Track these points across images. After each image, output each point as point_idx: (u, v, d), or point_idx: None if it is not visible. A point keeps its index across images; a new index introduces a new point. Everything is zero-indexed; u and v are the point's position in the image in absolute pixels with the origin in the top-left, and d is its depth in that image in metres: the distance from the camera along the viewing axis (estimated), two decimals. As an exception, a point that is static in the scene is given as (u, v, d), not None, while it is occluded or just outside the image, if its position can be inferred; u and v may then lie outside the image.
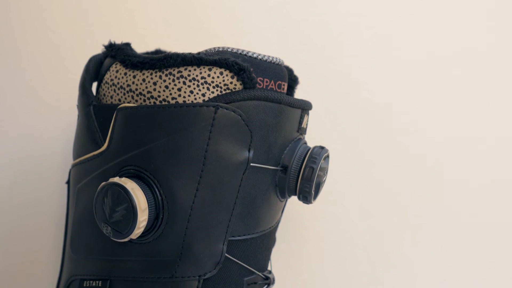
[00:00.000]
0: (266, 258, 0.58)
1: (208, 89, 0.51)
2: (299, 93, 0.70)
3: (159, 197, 0.51)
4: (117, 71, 0.54)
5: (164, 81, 0.51)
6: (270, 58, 0.55)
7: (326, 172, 0.57)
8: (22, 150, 0.77)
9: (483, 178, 0.78)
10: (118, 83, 0.54)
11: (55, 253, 0.75)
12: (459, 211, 0.78)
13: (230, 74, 0.51)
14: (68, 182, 0.61)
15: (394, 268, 0.79)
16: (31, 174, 0.77)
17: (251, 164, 0.53)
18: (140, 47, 0.71)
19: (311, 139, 0.73)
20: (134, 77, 0.53)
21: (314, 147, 0.56)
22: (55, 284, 0.64)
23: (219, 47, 0.55)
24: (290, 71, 0.64)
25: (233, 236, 0.54)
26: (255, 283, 0.56)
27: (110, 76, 0.55)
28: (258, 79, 0.54)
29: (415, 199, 0.78)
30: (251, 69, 0.52)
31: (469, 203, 0.78)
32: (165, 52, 0.63)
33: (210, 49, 0.55)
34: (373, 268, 0.79)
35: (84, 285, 0.56)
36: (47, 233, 0.76)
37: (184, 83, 0.51)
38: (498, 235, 0.78)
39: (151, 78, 0.52)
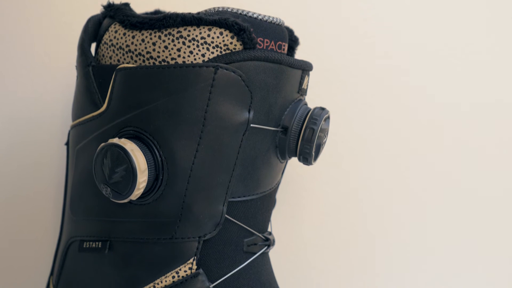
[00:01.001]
0: (266, 219, 0.58)
1: (207, 49, 0.51)
2: (300, 54, 0.70)
3: (159, 158, 0.51)
4: (116, 32, 0.54)
5: (164, 41, 0.51)
6: (271, 19, 0.55)
7: (327, 134, 0.57)
8: (20, 112, 0.76)
9: (485, 139, 0.77)
10: (117, 43, 0.53)
11: (55, 215, 0.75)
12: (459, 175, 0.78)
13: (230, 35, 0.51)
14: (67, 144, 0.61)
15: (392, 230, 0.79)
16: (30, 136, 0.76)
17: (251, 125, 0.52)
18: (139, 7, 0.71)
19: (311, 100, 0.72)
20: (133, 37, 0.52)
21: (315, 108, 0.56)
22: (55, 245, 0.64)
23: (219, 7, 0.54)
24: (290, 31, 0.64)
25: (233, 197, 0.54)
26: (255, 244, 0.56)
27: (109, 36, 0.54)
28: (258, 39, 0.54)
29: (415, 161, 0.78)
30: (251, 30, 0.52)
31: (470, 166, 0.78)
32: (164, 12, 0.63)
33: (209, 9, 0.54)
34: (372, 230, 0.79)
35: (84, 246, 0.57)
36: (47, 195, 0.76)
37: (184, 43, 0.51)
38: (496, 195, 0.78)
39: (150, 39, 0.51)
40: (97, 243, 0.56)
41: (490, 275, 0.79)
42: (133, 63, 0.52)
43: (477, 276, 0.79)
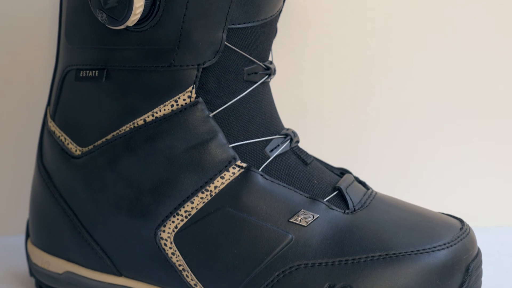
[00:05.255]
0: (267, 48, 0.57)
1: None
2: None
3: None
4: None
5: None
6: None
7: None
8: None
9: None
10: None
11: (50, 44, 0.74)
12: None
13: None
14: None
15: (394, 65, 0.78)
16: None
17: None
18: None
19: None
20: None
21: None
22: (51, 75, 0.64)
23: None
24: None
25: (233, 24, 0.52)
26: (256, 73, 0.55)
27: None
28: None
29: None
30: None
31: None
32: None
33: None
34: (374, 62, 0.78)
35: (80, 75, 0.56)
36: (41, 24, 0.75)
37: None
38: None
39: None
40: (93, 71, 0.55)
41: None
42: None
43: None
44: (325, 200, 0.54)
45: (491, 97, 0.79)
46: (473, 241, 0.53)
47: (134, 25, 0.51)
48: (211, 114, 0.53)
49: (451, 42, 0.78)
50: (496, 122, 0.80)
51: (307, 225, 0.52)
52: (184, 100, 0.52)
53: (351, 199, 0.54)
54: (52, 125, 0.59)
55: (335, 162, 0.64)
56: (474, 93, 0.79)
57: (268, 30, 0.56)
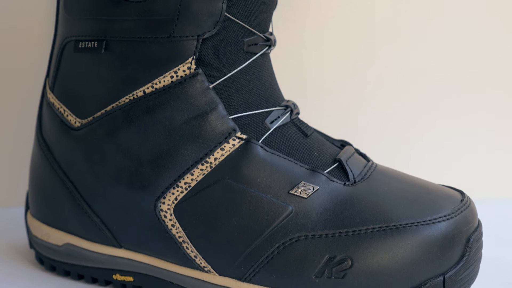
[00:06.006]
0: (267, 19, 0.56)
1: None
2: None
3: None
4: None
5: None
6: None
7: None
8: None
9: None
10: None
11: (49, 16, 0.74)
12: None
13: None
14: None
15: (395, 33, 0.78)
16: None
17: None
18: None
19: None
20: None
21: None
22: (50, 47, 0.63)
23: None
24: None
25: None
26: (256, 44, 0.55)
27: None
28: None
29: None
30: None
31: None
32: None
33: None
34: (376, 35, 0.78)
35: (80, 46, 0.55)
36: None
37: None
38: None
39: None
40: (92, 43, 0.54)
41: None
42: None
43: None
44: (325, 172, 0.53)
45: (491, 70, 0.79)
46: (473, 213, 0.53)
47: (134, -5, 0.51)
48: (211, 86, 0.53)
49: (454, 16, 0.77)
50: (497, 95, 0.80)
51: (307, 197, 0.52)
52: (184, 71, 0.52)
53: (351, 171, 0.54)
54: (51, 97, 0.59)
55: (336, 134, 0.64)
56: (474, 66, 0.79)
57: (268, 1, 0.55)
